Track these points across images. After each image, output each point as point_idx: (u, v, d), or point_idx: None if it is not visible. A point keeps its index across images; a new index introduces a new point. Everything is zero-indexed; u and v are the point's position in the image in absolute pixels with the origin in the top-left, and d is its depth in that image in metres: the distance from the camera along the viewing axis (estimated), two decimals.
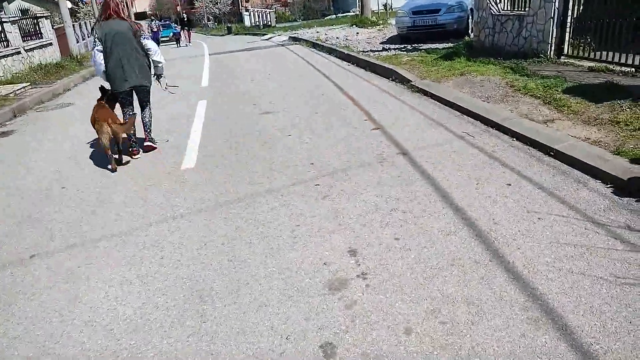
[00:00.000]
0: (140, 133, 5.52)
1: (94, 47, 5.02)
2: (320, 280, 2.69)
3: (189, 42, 26.18)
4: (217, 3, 54.99)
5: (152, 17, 28.88)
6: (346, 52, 11.40)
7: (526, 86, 5.87)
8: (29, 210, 4.20)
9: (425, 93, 6.67)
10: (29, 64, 13.30)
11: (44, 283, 2.99)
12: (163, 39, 29.17)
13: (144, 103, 5.48)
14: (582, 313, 2.19)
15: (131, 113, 5.35)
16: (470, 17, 10.86)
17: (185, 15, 28.10)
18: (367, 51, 11.18)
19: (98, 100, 5.26)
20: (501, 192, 3.51)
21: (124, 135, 5.15)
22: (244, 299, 2.60)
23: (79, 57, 16.52)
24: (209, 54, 17.26)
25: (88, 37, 27.27)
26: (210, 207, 3.84)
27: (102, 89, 5.38)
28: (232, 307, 2.55)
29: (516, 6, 8.25)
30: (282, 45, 17.22)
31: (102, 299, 2.76)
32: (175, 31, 28.08)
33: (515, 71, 6.75)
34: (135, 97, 5.38)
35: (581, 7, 6.77)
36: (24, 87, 10.69)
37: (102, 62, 5.01)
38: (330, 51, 12.74)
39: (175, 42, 27.57)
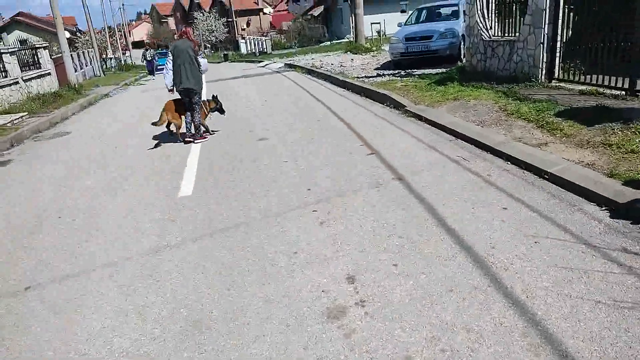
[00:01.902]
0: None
1: (168, 57, 7.16)
2: (318, 308, 2.67)
3: None
4: (213, 31, 55.94)
5: (147, 47, 28.48)
6: (341, 78, 11.57)
7: (519, 110, 5.95)
8: (24, 240, 4.17)
9: (419, 118, 6.75)
10: (27, 93, 13.41)
11: (39, 315, 2.95)
12: (160, 67, 28.80)
13: (193, 105, 7.11)
14: (582, 339, 2.18)
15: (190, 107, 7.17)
16: (462, 42, 11.08)
17: None
18: (362, 77, 11.35)
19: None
20: (497, 216, 3.52)
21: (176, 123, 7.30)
22: (241, 329, 2.57)
23: (77, 86, 16.68)
24: (206, 82, 17.41)
25: (86, 66, 27.61)
26: (207, 235, 3.83)
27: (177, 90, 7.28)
28: (229, 337, 2.52)
29: (507, 32, 8.44)
30: (278, 72, 17.46)
31: (98, 330, 2.72)
32: (159, 62, 27.64)
33: (507, 95, 6.85)
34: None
35: (570, 32, 6.93)
36: (21, 117, 10.75)
37: (171, 68, 7.03)
38: (326, 77, 12.92)
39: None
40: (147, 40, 75.82)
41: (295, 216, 3.99)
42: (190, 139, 7.18)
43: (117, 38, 51.60)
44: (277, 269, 3.15)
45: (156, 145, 7.29)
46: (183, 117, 7.28)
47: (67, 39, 20.79)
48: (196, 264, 3.36)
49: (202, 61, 7.25)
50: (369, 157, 5.35)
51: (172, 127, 7.39)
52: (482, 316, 2.43)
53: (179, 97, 7.20)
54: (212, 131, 7.70)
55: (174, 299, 2.94)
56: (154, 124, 7.21)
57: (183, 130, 7.37)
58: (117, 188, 5.37)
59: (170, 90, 7.21)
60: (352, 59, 16.44)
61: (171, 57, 7.05)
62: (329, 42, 33.72)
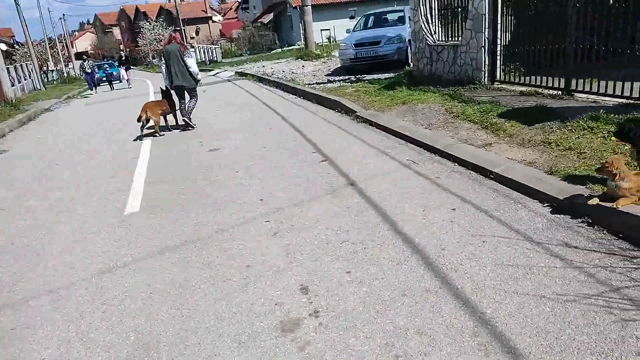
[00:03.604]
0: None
1: (161, 61, 8.58)
2: (272, 322, 2.62)
3: (130, 85, 23.01)
4: (161, 41, 54.69)
5: (85, 57, 26.40)
6: (292, 85, 11.56)
7: (464, 112, 6.14)
8: None
9: (370, 123, 6.83)
10: None
11: None
12: (104, 78, 26.83)
13: (188, 96, 8.46)
14: (529, 334, 2.24)
15: (184, 103, 8.44)
16: (409, 47, 11.34)
17: (122, 54, 26.17)
18: (313, 84, 11.39)
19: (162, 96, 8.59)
20: (447, 217, 3.59)
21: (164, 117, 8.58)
22: (193, 349, 2.48)
23: (14, 101, 15.88)
24: (154, 92, 17.01)
25: (25, 79, 26.29)
26: (157, 253, 3.69)
27: (163, 89, 8.66)
28: (180, 359, 2.42)
29: (450, 36, 8.71)
30: (229, 80, 17.27)
31: None
32: (109, 71, 24.32)
33: (453, 98, 7.06)
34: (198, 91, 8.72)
35: (510, 36, 7.23)
36: None
37: (164, 69, 8.31)
38: (277, 85, 12.88)
39: (108, 84, 23.42)
40: (92, 51, 73.09)
41: (248, 228, 3.92)
42: (179, 128, 8.58)
43: (59, 49, 49.56)
44: (229, 284, 3.08)
45: (139, 138, 8.19)
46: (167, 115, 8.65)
47: (4, 51, 19.77)
48: (145, 284, 3.23)
49: (190, 61, 8.26)
50: (321, 164, 5.35)
51: (151, 122, 8.23)
52: (434, 319, 2.45)
53: (157, 99, 8.71)
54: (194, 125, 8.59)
55: (121, 323, 2.80)
56: (138, 120, 8.09)
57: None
58: (59, 208, 5.11)
59: (166, 89, 8.49)
60: (303, 66, 16.50)
61: (164, 61, 8.29)
62: (279, 49, 33.71)
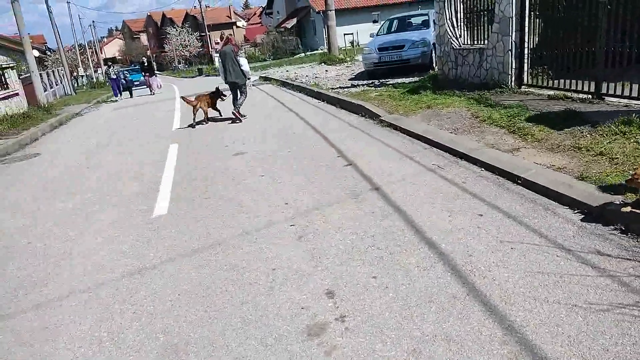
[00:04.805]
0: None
1: (219, 60, 9.66)
2: (298, 326, 2.63)
3: (152, 91, 21.41)
4: (186, 46, 55.67)
5: (110, 64, 25.75)
6: (316, 89, 11.61)
7: (491, 116, 6.05)
8: None
9: (394, 127, 6.80)
10: None
11: (8, 349, 2.83)
12: (136, 82, 26.68)
13: (239, 92, 9.62)
14: (560, 344, 2.19)
15: (237, 97, 9.66)
16: (434, 51, 11.26)
17: (145, 59, 23.44)
18: (337, 88, 11.41)
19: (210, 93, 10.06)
20: (474, 223, 3.55)
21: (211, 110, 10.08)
22: (220, 352, 2.51)
23: (47, 105, 16.35)
24: (180, 97, 17.29)
25: (57, 84, 27.09)
26: (184, 255, 3.75)
27: (216, 89, 10.11)
28: None
29: (476, 40, 8.61)
30: (253, 85, 17.40)
31: None
32: (129, 79, 22.72)
33: (479, 102, 6.97)
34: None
35: (537, 39, 7.11)
36: None
37: (221, 67, 9.42)
38: (301, 89, 12.95)
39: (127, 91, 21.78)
40: (119, 57, 74.74)
41: (273, 232, 3.95)
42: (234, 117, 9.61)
43: (89, 55, 50.91)
44: (255, 287, 3.10)
45: (190, 125, 9.79)
46: (209, 108, 9.94)
47: (37, 57, 20.42)
48: (173, 285, 3.29)
49: (242, 61, 9.44)
50: (345, 169, 5.35)
51: (201, 112, 9.71)
52: (462, 326, 2.42)
53: (211, 93, 9.97)
54: (244, 116, 9.70)
55: (150, 324, 2.86)
56: (187, 102, 9.90)
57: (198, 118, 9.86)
58: (89, 210, 5.24)
59: (216, 89, 9.97)
60: (327, 70, 16.55)
61: (220, 60, 9.52)
62: (303, 54, 33.89)
